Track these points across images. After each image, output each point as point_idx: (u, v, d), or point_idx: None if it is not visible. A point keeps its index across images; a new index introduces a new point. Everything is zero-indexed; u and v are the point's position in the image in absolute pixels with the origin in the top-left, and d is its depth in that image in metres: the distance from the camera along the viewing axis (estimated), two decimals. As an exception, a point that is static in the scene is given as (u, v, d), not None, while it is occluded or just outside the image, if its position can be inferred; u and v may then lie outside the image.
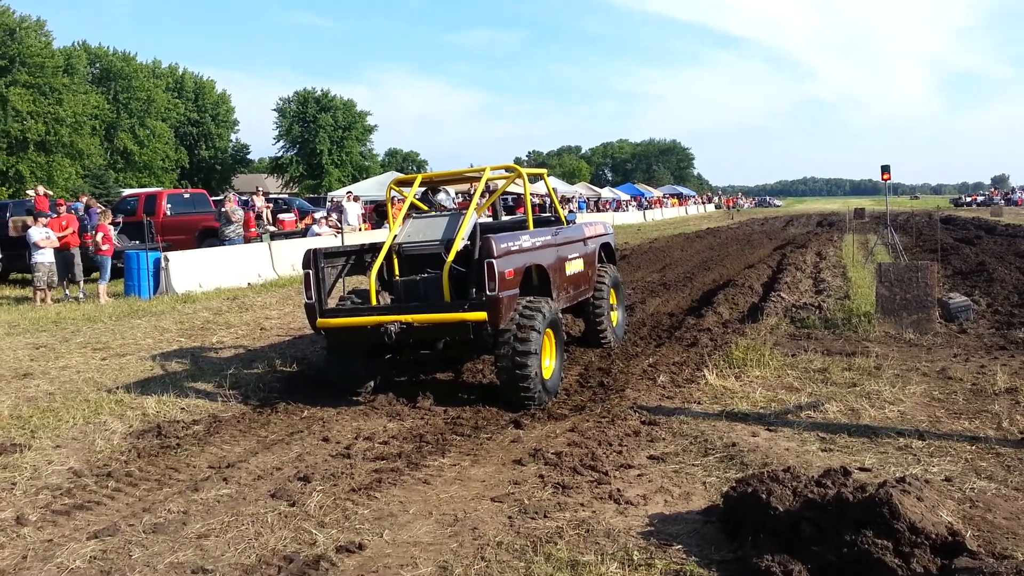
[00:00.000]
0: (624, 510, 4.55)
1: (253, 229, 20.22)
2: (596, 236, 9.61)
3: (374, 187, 34.37)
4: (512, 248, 7.08)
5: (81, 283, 15.76)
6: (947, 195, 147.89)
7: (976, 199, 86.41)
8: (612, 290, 9.61)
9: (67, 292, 15.60)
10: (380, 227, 24.88)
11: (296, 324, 11.64)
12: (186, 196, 21.93)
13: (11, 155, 46.26)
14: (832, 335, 9.47)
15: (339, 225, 22.46)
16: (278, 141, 70.24)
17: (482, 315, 6.69)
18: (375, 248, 8.32)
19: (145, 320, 12.33)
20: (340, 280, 8.05)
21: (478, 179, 8.70)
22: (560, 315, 7.69)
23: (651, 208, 61.56)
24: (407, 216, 8.56)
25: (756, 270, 17.17)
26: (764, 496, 4.02)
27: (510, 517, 4.51)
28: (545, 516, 4.49)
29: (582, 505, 4.64)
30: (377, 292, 7.73)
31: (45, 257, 14.72)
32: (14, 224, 17.90)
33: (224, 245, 17.81)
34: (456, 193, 27.77)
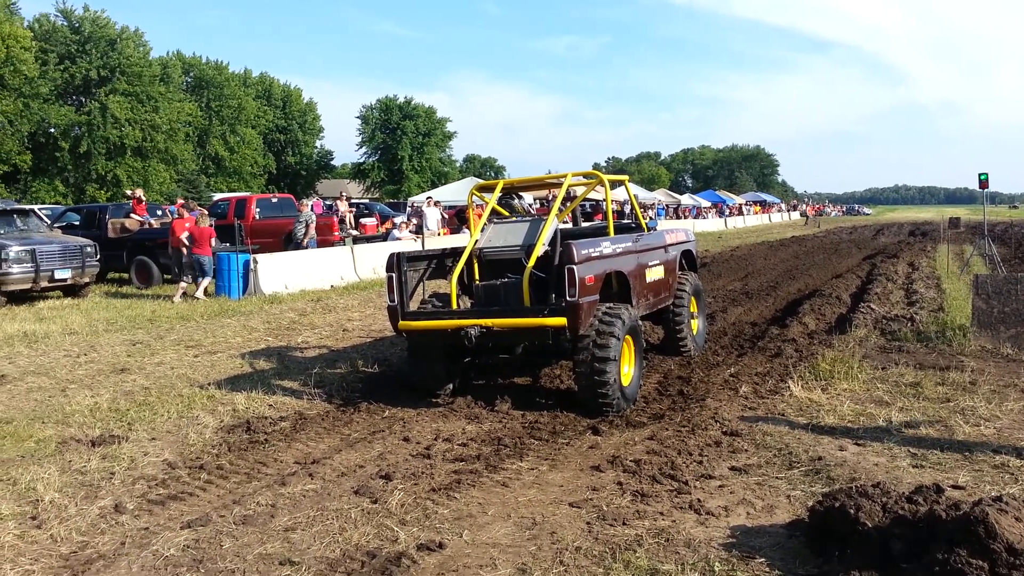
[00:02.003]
0: (705, 520, 4.49)
1: (336, 233, 20.68)
2: (677, 243, 9.51)
3: (453, 192, 34.76)
4: (593, 254, 7.05)
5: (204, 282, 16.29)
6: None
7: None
8: (693, 298, 9.49)
9: (186, 291, 16.19)
10: (459, 232, 25.17)
11: (377, 326, 11.86)
12: (274, 200, 22.58)
13: (110, 160, 48.54)
14: (925, 348, 9.13)
15: (419, 230, 22.78)
16: (361, 147, 71.81)
17: (562, 321, 6.67)
18: (456, 253, 8.40)
19: (235, 319, 12.76)
20: (421, 284, 8.16)
21: (559, 185, 8.71)
22: (639, 322, 7.63)
23: (732, 215, 60.46)
24: (488, 221, 8.61)
25: (844, 280, 16.69)
26: (852, 511, 3.92)
27: (588, 523, 4.50)
28: (624, 523, 4.47)
29: (661, 514, 4.60)
30: (458, 296, 7.81)
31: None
32: (113, 226, 18.75)
33: (298, 250, 18.21)
34: (535, 199, 27.87)
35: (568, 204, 9.10)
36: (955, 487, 4.78)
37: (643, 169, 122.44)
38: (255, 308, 14.02)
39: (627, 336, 7.07)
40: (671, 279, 9.06)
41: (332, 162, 79.48)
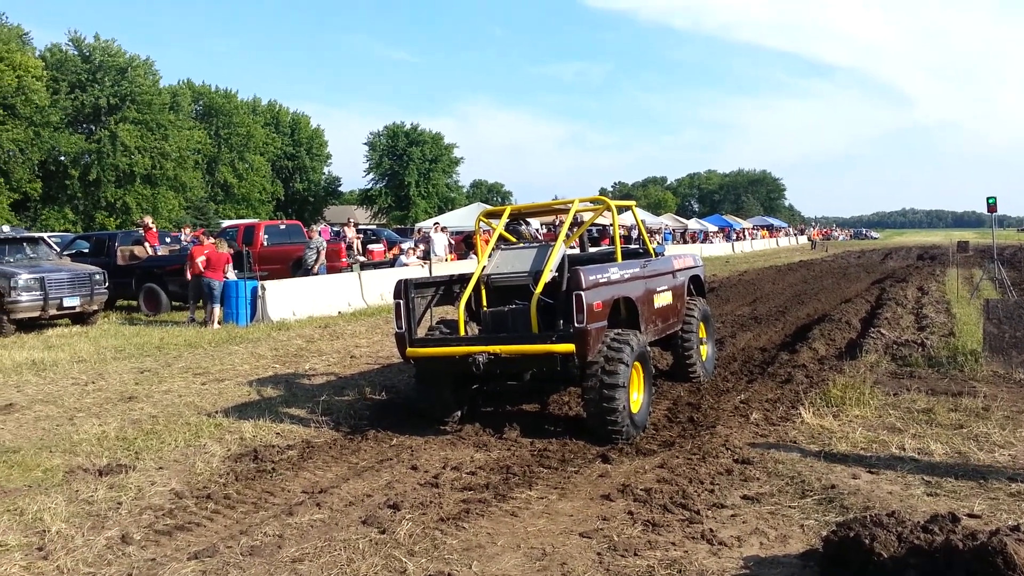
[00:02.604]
0: (717, 551, 4.43)
1: (344, 259, 20.74)
2: (685, 268, 9.49)
3: (460, 218, 34.85)
4: (601, 280, 7.01)
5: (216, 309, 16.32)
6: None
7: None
8: (702, 323, 9.43)
9: (194, 316, 16.26)
10: (466, 257, 25.22)
11: (384, 352, 11.84)
12: (282, 227, 22.69)
13: (119, 187, 48.94)
14: (936, 374, 9.06)
15: (427, 255, 22.84)
16: (368, 173, 72.24)
17: (570, 347, 6.63)
18: (464, 279, 8.38)
19: (242, 347, 12.76)
20: (429, 310, 8.14)
21: (566, 211, 8.71)
22: (648, 348, 7.59)
23: (740, 240, 60.44)
24: (496, 247, 8.60)
25: (853, 305, 16.61)
26: (867, 541, 3.86)
27: (599, 553, 4.45)
28: (635, 554, 4.41)
29: (673, 544, 4.54)
30: (466, 322, 7.77)
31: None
32: (122, 253, 18.84)
33: (308, 276, 18.28)
34: (542, 225, 27.85)
35: (575, 230, 9.04)
36: (971, 516, 4.71)
37: (649, 194, 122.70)
38: (263, 335, 14.03)
39: (636, 362, 7.02)
40: (679, 304, 9.03)
41: (339, 188, 79.98)
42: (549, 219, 35.68)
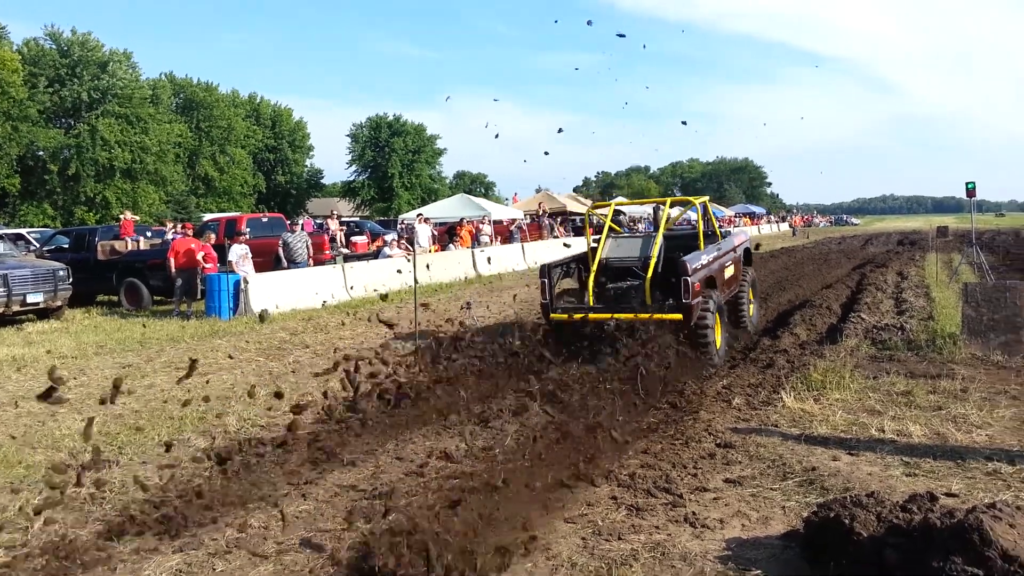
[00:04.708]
0: (700, 534, 4.48)
1: (327, 251, 20.66)
2: (740, 244, 12.09)
3: (443, 209, 34.79)
4: (698, 267, 9.23)
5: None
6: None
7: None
8: (751, 288, 11.85)
9: (179, 308, 16.24)
10: (447, 248, 25.24)
11: (368, 344, 11.82)
12: (264, 220, 22.55)
13: (99, 182, 48.44)
14: (916, 357, 9.16)
15: (410, 247, 22.79)
16: (351, 165, 71.83)
17: (678, 316, 8.91)
18: (579, 260, 10.63)
19: (225, 340, 12.71)
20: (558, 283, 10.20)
21: (663, 204, 11.52)
22: (723, 305, 10.11)
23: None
24: (608, 236, 10.66)
25: (834, 290, 16.74)
26: (847, 521, 3.92)
27: (584, 538, 4.49)
28: (619, 538, 4.45)
29: (657, 528, 4.59)
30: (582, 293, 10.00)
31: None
32: (102, 248, 18.69)
33: (290, 268, 18.20)
34: (524, 214, 27.76)
35: (665, 223, 11.05)
36: (949, 495, 4.78)
37: (633, 183, 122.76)
38: (245, 328, 13.97)
39: (716, 315, 9.45)
40: (738, 273, 11.56)
41: (322, 181, 79.48)
42: (533, 210, 35.58)
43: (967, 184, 16.73)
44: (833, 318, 12.90)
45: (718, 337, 9.62)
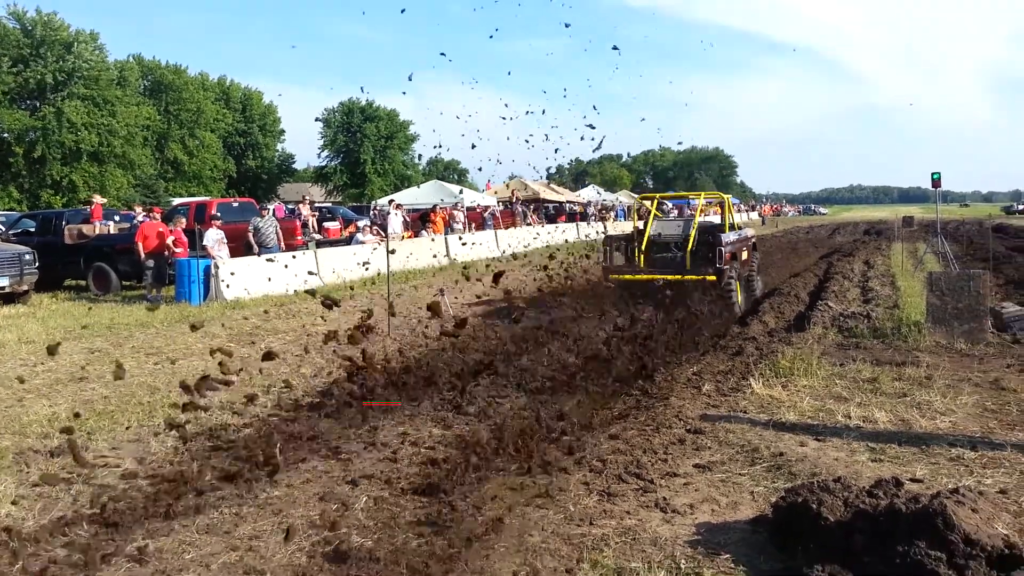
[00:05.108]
0: (671, 519, 4.54)
1: (299, 237, 20.49)
2: (751, 237, 15.71)
3: (416, 196, 34.64)
4: (727, 242, 12.64)
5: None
6: (998, 203, 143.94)
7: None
8: (757, 269, 15.44)
9: (151, 294, 16.09)
10: (419, 235, 25.17)
11: (342, 331, 11.77)
12: (235, 205, 22.27)
13: (65, 165, 47.56)
14: (881, 345, 9.32)
15: (383, 233, 22.68)
16: (323, 151, 71.20)
17: (713, 277, 12.15)
18: (630, 237, 13.81)
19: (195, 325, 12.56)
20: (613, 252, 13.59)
21: (698, 196, 16.46)
22: (742, 276, 13.55)
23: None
24: (655, 218, 14.26)
25: (802, 278, 16.96)
26: (815, 506, 3.99)
27: (555, 523, 4.53)
28: (591, 523, 4.50)
29: (628, 513, 4.64)
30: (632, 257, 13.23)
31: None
32: (69, 232, 18.38)
33: (261, 253, 18.04)
34: (497, 202, 27.78)
35: (698, 210, 15.26)
36: (913, 480, 4.89)
37: (605, 171, 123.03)
38: (216, 314, 13.83)
39: (738, 282, 12.80)
40: (751, 257, 14.93)
41: (294, 166, 78.70)
42: (506, 197, 35.35)
43: (932, 175, 16.99)
44: (801, 306, 13.07)
45: (739, 296, 12.80)
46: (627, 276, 12.53)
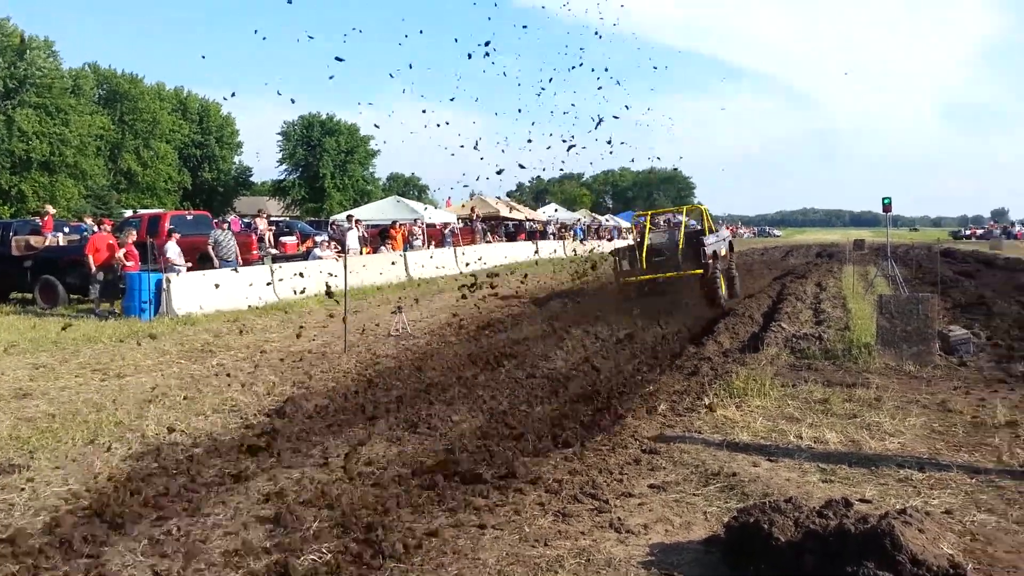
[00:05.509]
0: (625, 539, 4.54)
1: (255, 252, 20.24)
2: (728, 237, 19.56)
3: (375, 211, 34.39)
4: (710, 243, 16.00)
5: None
6: (947, 228, 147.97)
7: (976, 232, 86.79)
8: (735, 265, 19.04)
9: (98, 309, 15.76)
10: (379, 250, 25.04)
11: (296, 348, 11.64)
12: (189, 218, 21.97)
13: (14, 175, 46.45)
14: (832, 366, 9.47)
15: (340, 249, 22.51)
16: (281, 164, 70.56)
17: (699, 271, 15.39)
18: (631, 248, 17.07)
19: (145, 342, 12.32)
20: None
21: (680, 211, 19.25)
22: (722, 272, 16.59)
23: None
24: (650, 230, 17.33)
25: (756, 300, 17.18)
26: (766, 527, 4.02)
27: (510, 544, 4.50)
28: (546, 544, 4.47)
29: (583, 533, 4.63)
30: (636, 261, 16.15)
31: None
32: (17, 243, 17.92)
33: (222, 267, 17.81)
34: (457, 219, 27.78)
35: (683, 220, 18.23)
36: (863, 501, 4.95)
37: (565, 190, 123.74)
38: (167, 330, 13.57)
39: (721, 275, 16.02)
40: (729, 256, 18.30)
41: (251, 179, 77.81)
42: (466, 214, 35.34)
43: (883, 200, 17.35)
44: (755, 327, 13.24)
45: (722, 288, 15.97)
46: (635, 278, 15.63)
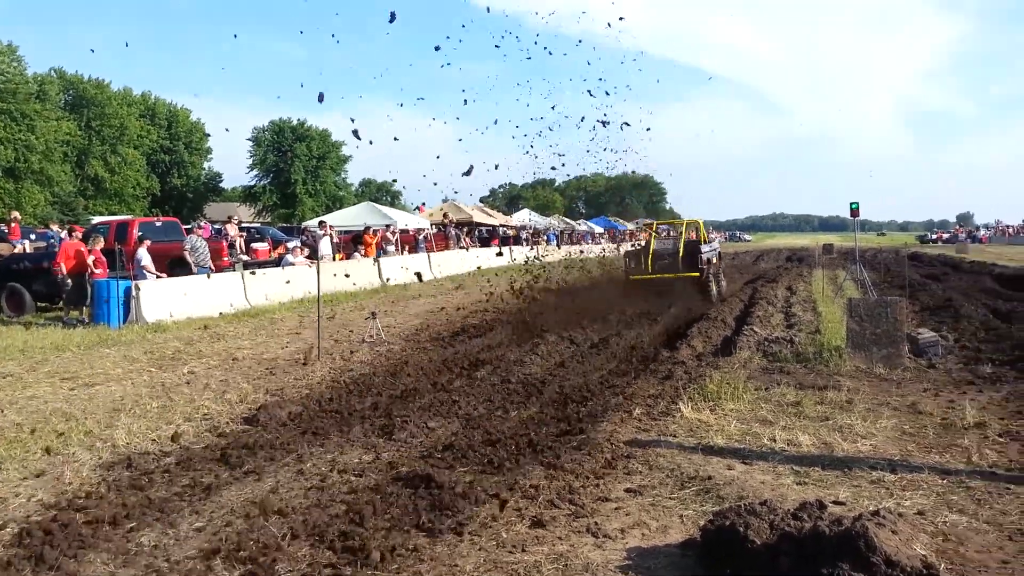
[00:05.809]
0: (602, 543, 4.54)
1: (226, 258, 20.06)
2: (718, 248, 22.56)
3: (347, 218, 34.21)
4: (705, 251, 18.88)
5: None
6: (913, 232, 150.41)
7: (942, 237, 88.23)
8: (723, 273, 22.04)
9: (68, 316, 15.53)
10: (351, 256, 24.91)
11: (269, 355, 11.54)
12: (158, 224, 21.71)
13: (-21, 181, 45.68)
14: (804, 369, 9.57)
15: (313, 254, 22.40)
16: (252, 169, 69.93)
17: (696, 274, 17.89)
18: (639, 252, 19.21)
19: (114, 349, 12.15)
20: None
21: (681, 223, 22.33)
22: (714, 273, 19.65)
23: (624, 241, 61.92)
24: (653, 237, 20.36)
25: (728, 304, 17.33)
26: (742, 529, 4.05)
27: (487, 551, 4.48)
28: (523, 550, 4.47)
29: (560, 538, 4.63)
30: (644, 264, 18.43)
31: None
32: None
33: (198, 273, 17.67)
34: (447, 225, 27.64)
35: (683, 230, 21.11)
36: (836, 503, 5.00)
37: (538, 195, 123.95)
38: (137, 337, 13.40)
39: (713, 277, 19.13)
40: (719, 263, 21.42)
41: (221, 185, 77.02)
42: (439, 220, 35.31)
43: (851, 204, 17.59)
44: (728, 331, 13.34)
45: (715, 289, 18.98)
46: (642, 277, 18.13)
